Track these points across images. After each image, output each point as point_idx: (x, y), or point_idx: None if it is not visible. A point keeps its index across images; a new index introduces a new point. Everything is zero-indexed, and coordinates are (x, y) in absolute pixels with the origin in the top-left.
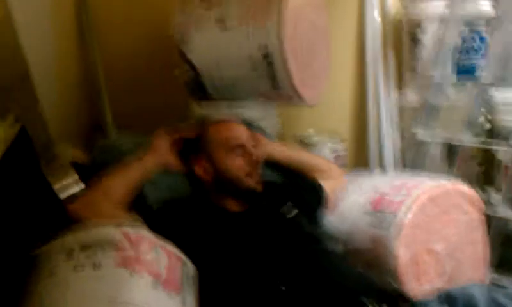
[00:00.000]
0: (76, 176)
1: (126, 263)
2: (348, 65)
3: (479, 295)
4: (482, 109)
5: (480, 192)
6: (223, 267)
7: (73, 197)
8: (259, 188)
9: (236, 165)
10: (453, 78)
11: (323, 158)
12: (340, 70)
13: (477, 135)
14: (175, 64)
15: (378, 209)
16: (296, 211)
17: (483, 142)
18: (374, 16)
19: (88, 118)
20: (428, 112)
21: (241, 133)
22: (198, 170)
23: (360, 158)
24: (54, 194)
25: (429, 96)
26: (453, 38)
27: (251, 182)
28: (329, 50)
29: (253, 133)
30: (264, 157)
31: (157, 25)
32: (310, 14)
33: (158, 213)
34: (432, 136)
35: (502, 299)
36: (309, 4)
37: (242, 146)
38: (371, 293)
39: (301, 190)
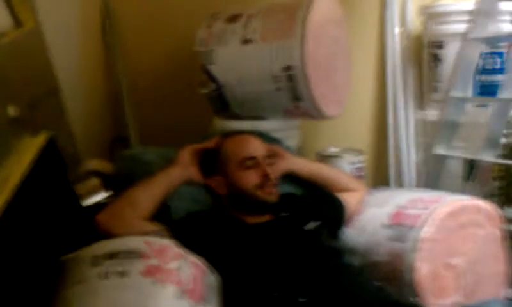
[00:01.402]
0: (101, 186)
1: (151, 273)
2: (368, 81)
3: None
4: (503, 127)
5: (500, 208)
6: (243, 279)
7: (99, 207)
8: (272, 199)
9: (247, 179)
10: (474, 96)
11: (344, 172)
12: (361, 85)
13: (497, 152)
14: (199, 80)
15: (397, 223)
16: (315, 224)
17: (503, 159)
18: (395, 33)
19: (112, 132)
20: (448, 129)
21: (254, 146)
22: (212, 184)
23: (380, 173)
24: (81, 204)
25: (450, 113)
26: (474, 57)
27: (263, 194)
28: (350, 66)
29: (274, 146)
30: (285, 171)
31: (182, 41)
32: (331, 30)
33: (181, 224)
34: (452, 153)
35: None
36: (330, 20)
37: (254, 159)
38: (390, 305)
39: (321, 204)
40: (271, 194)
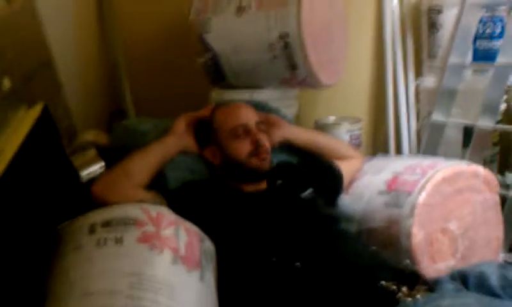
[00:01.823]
0: (97, 156)
1: (147, 239)
2: (366, 49)
3: (491, 272)
4: (502, 93)
5: (496, 174)
6: (238, 245)
7: (95, 178)
8: (266, 167)
9: (239, 147)
10: (472, 62)
11: (341, 141)
12: (358, 53)
13: (495, 119)
14: (195, 51)
15: (393, 189)
16: (311, 190)
17: (500, 126)
18: (392, 0)
19: (108, 104)
20: (447, 96)
21: (244, 114)
22: (207, 154)
23: (377, 141)
24: (76, 174)
25: (448, 80)
26: (473, 23)
27: (256, 162)
28: (347, 33)
29: (270, 115)
30: (281, 139)
31: (178, 10)
32: None
33: (177, 193)
34: (451, 120)
35: None
36: None
37: (245, 127)
38: (386, 272)
39: (317, 172)
40: (265, 161)
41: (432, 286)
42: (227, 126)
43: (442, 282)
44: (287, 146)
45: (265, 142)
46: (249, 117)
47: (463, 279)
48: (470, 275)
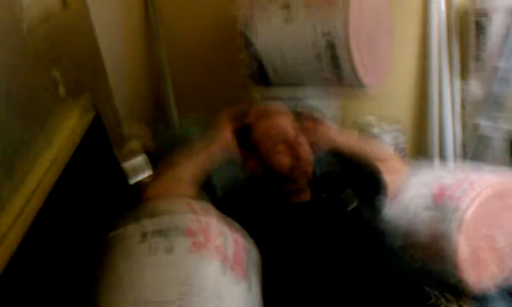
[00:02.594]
0: (146, 163)
1: (196, 249)
2: (411, 54)
3: None
4: None
5: None
6: (283, 256)
7: (144, 182)
8: (308, 177)
9: (279, 162)
10: None
11: (386, 148)
12: (403, 58)
13: None
14: (236, 47)
15: (440, 203)
16: (356, 202)
17: None
18: (439, 4)
19: (151, 97)
20: (492, 103)
21: (283, 128)
22: (249, 167)
23: (421, 148)
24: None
25: (494, 87)
26: None
27: (298, 174)
28: (392, 38)
29: (318, 121)
30: (329, 146)
31: (221, 7)
32: (374, 1)
33: (223, 202)
34: (496, 128)
35: None
36: None
37: (286, 142)
38: (432, 284)
39: (361, 180)
40: (307, 173)
41: (481, 303)
42: (268, 141)
43: (492, 300)
44: (331, 152)
45: (307, 153)
46: (288, 130)
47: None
48: None
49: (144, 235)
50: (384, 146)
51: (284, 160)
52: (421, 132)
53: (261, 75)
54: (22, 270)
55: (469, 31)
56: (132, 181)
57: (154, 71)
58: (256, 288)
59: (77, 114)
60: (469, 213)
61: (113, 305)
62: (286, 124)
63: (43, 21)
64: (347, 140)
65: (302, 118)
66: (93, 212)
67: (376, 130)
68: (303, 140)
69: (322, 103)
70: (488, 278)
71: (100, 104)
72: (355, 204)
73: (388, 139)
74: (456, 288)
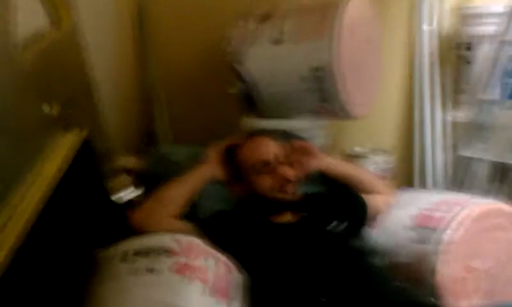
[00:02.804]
0: (132, 182)
1: (180, 270)
2: (396, 81)
3: None
4: None
5: None
6: (267, 277)
7: (132, 205)
8: (291, 198)
9: (262, 183)
10: (503, 99)
11: (374, 175)
12: (389, 85)
13: None
14: (229, 79)
15: (421, 225)
16: (338, 222)
17: None
18: (424, 33)
19: (143, 127)
20: (475, 131)
21: (266, 150)
22: (233, 188)
23: (406, 174)
24: (113, 201)
25: (478, 115)
26: (504, 59)
27: (280, 195)
28: (380, 65)
29: (307, 144)
30: (316, 169)
31: (214, 39)
32: (363, 31)
33: (209, 223)
34: (479, 155)
35: None
36: (362, 21)
37: (267, 163)
38: (412, 305)
39: (345, 204)
40: (288, 193)
41: None
42: (249, 162)
43: None
44: (316, 176)
45: (289, 174)
46: (271, 152)
47: None
48: None
49: (126, 255)
50: (372, 174)
51: (265, 182)
52: (407, 159)
53: (252, 106)
54: (12, 289)
55: (454, 63)
56: (117, 197)
57: (146, 100)
58: None
59: (66, 136)
60: (448, 236)
61: None
62: (267, 147)
63: (35, 42)
64: (339, 165)
65: (292, 140)
66: (81, 233)
67: (362, 159)
68: (285, 162)
69: (310, 133)
70: (466, 300)
71: (89, 121)
72: (337, 225)
73: (373, 167)
74: None
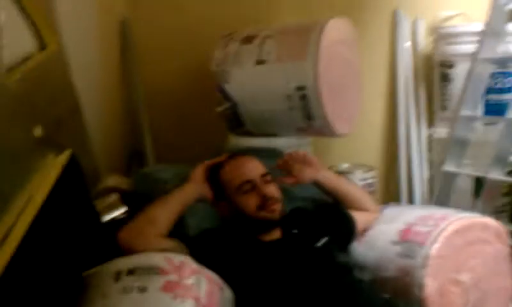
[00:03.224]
0: (120, 202)
1: (170, 288)
2: (379, 98)
3: None
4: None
5: (507, 224)
6: (255, 294)
7: (119, 223)
8: (275, 217)
9: (246, 203)
10: (483, 115)
11: (365, 192)
12: (372, 103)
13: (505, 170)
14: (215, 99)
15: (406, 239)
16: (326, 238)
17: (511, 177)
18: (406, 52)
19: (129, 147)
20: (458, 147)
21: (248, 170)
22: (218, 209)
23: (390, 189)
24: (101, 221)
25: (459, 131)
26: (483, 77)
27: (264, 214)
28: (361, 85)
29: (305, 153)
30: (311, 179)
31: (199, 60)
32: (343, 52)
33: (197, 241)
34: (461, 170)
35: None
36: (343, 42)
37: (250, 183)
38: None
39: (331, 220)
40: (274, 212)
41: None
42: (233, 183)
43: None
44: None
45: (274, 192)
46: (254, 172)
47: None
48: None
49: (118, 275)
50: (363, 192)
51: (249, 201)
52: (391, 174)
53: (238, 125)
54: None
55: (436, 81)
56: (105, 218)
57: (131, 121)
58: None
59: (53, 157)
60: (434, 250)
61: None
62: (250, 166)
63: (20, 64)
64: (333, 179)
65: (278, 158)
66: (70, 250)
67: (347, 176)
68: (269, 180)
69: (294, 147)
70: None
71: (76, 142)
72: (324, 240)
73: (359, 183)
74: None
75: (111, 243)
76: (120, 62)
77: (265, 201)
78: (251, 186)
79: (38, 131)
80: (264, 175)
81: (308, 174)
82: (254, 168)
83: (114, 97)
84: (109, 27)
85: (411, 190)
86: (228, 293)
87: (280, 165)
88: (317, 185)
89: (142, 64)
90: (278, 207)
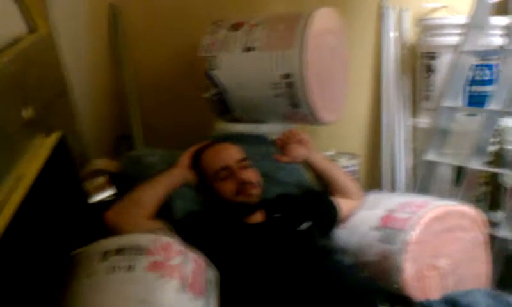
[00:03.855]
0: (108, 184)
1: (155, 268)
2: (364, 88)
3: (479, 301)
4: (490, 136)
5: (485, 213)
6: (238, 274)
7: (106, 204)
8: (254, 200)
9: (224, 188)
10: (464, 106)
11: (351, 178)
12: (357, 92)
13: (484, 159)
14: (202, 84)
15: (386, 225)
16: (308, 222)
17: (490, 167)
18: (390, 43)
19: (117, 130)
20: (439, 136)
21: (225, 156)
22: (200, 193)
23: (373, 177)
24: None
25: (441, 122)
26: (465, 68)
27: (243, 198)
28: (348, 74)
29: (301, 132)
30: (303, 158)
31: (187, 45)
32: (330, 40)
33: (183, 223)
34: (442, 160)
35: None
36: (330, 31)
37: (228, 169)
38: (379, 294)
39: (314, 205)
40: (251, 196)
41: None
42: (210, 169)
43: (434, 305)
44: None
45: (250, 177)
46: (231, 158)
47: (453, 303)
48: (459, 301)
49: (105, 254)
50: (350, 178)
51: (226, 186)
52: (374, 163)
53: (225, 111)
54: None
55: (419, 72)
56: (94, 199)
57: (120, 104)
58: (214, 303)
59: (42, 134)
60: (412, 235)
61: None
62: (227, 153)
63: (11, 46)
64: (324, 161)
65: (262, 144)
66: (57, 231)
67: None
68: (247, 165)
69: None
70: (432, 293)
71: (65, 124)
72: (307, 225)
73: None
74: (401, 297)
75: (99, 223)
76: (109, 46)
77: (242, 186)
78: (228, 172)
79: (27, 112)
80: (241, 161)
81: (301, 153)
82: (230, 154)
83: (103, 80)
84: (98, 11)
85: (394, 179)
86: (213, 272)
87: (275, 143)
88: (308, 165)
89: (131, 48)
90: (256, 191)
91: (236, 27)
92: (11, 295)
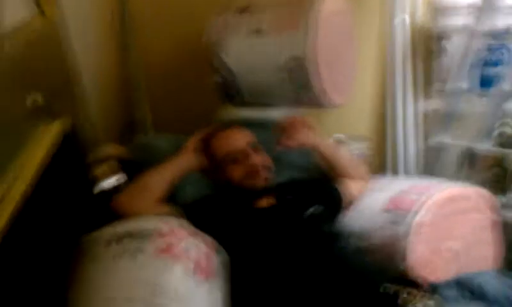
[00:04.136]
0: (117, 169)
1: (163, 252)
2: (370, 71)
3: (487, 282)
4: (500, 118)
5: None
6: (248, 259)
7: (116, 190)
8: (262, 184)
9: (233, 173)
10: (476, 88)
11: (358, 162)
12: (363, 75)
13: (493, 142)
14: (209, 69)
15: (393, 208)
16: (315, 209)
17: (498, 150)
18: (398, 25)
19: (126, 117)
20: (448, 119)
21: (234, 141)
22: (210, 177)
23: (380, 161)
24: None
25: (450, 104)
26: (478, 49)
27: (251, 182)
28: (355, 56)
29: (307, 119)
30: (310, 144)
31: (195, 29)
32: (338, 22)
33: (193, 207)
34: (451, 142)
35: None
36: (337, 12)
37: (236, 153)
38: (386, 278)
39: (322, 190)
40: (261, 180)
41: (431, 291)
42: (219, 154)
43: (442, 288)
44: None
45: (259, 161)
46: (240, 142)
47: (461, 285)
48: (468, 283)
49: (113, 238)
50: (357, 162)
51: (235, 170)
52: (381, 146)
53: (233, 96)
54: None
55: (427, 54)
56: (102, 185)
57: (128, 90)
58: (224, 286)
59: (50, 126)
60: (419, 218)
61: (83, 304)
62: (236, 138)
63: (19, 32)
64: (330, 147)
65: (270, 129)
66: (66, 220)
67: (343, 145)
68: (257, 149)
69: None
70: (441, 275)
71: (74, 110)
72: (314, 209)
73: (353, 153)
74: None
75: (107, 209)
76: (116, 32)
77: (252, 170)
78: (237, 156)
79: (35, 98)
80: (251, 145)
81: (308, 138)
82: (241, 138)
83: (111, 66)
84: None
85: (403, 161)
86: (223, 256)
87: (282, 128)
88: (315, 150)
89: (138, 33)
90: (267, 175)
91: (244, 10)
92: (20, 282)
